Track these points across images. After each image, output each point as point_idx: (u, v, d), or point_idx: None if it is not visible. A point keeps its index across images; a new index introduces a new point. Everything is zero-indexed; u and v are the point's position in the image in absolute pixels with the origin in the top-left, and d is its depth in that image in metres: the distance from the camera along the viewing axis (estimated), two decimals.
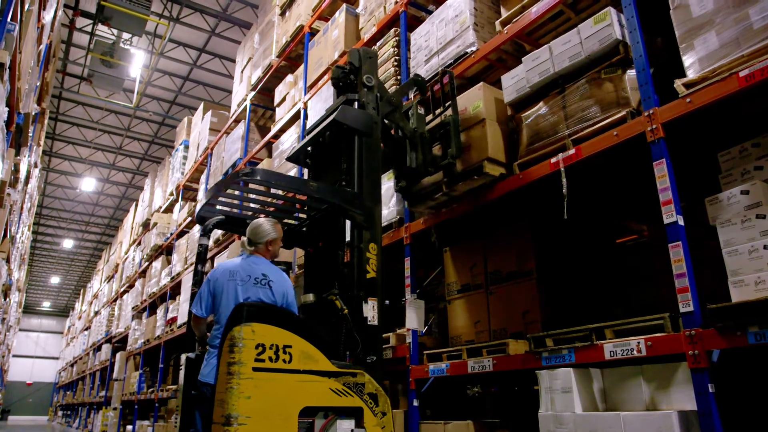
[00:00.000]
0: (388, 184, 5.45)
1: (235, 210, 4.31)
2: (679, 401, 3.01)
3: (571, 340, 3.46)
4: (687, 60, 3.12)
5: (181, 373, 3.62)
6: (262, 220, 3.66)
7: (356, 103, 3.97)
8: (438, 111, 4.46)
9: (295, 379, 2.87)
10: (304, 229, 4.17)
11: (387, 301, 8.10)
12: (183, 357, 3.66)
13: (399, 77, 5.66)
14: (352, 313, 3.34)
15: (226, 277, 3.43)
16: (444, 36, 5.06)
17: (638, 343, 3.04)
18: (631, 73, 3.47)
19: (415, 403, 4.60)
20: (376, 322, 3.42)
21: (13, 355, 35.42)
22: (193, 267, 11.33)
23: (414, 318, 4.69)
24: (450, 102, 4.33)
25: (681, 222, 3.01)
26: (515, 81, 4.25)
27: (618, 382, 3.34)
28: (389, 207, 5.36)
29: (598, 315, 3.73)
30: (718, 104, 2.97)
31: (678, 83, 3.11)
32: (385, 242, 5.35)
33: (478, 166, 4.17)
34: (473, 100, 4.40)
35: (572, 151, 3.63)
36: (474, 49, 4.73)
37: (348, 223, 3.71)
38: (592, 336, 3.32)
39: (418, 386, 4.64)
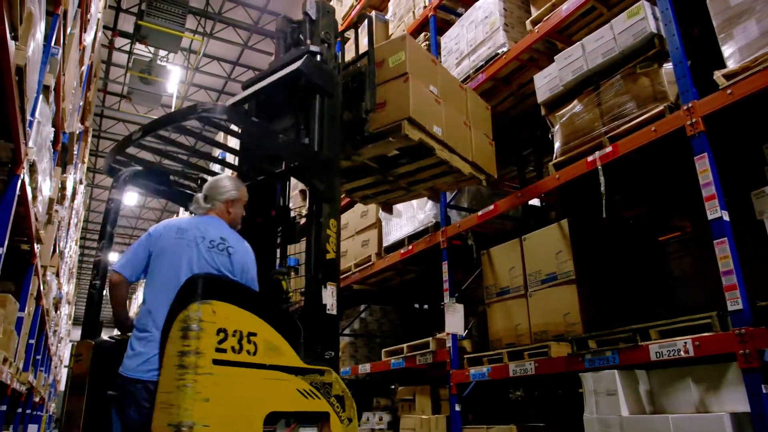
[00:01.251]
0: None
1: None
2: (730, 403, 2.92)
3: (614, 341, 3.39)
4: (726, 50, 3.03)
5: (86, 364, 2.61)
6: (224, 176, 2.96)
7: (318, 56, 3.30)
8: (350, 60, 3.82)
9: (260, 375, 2.25)
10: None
11: (426, 306, 8.10)
12: (79, 343, 2.79)
13: None
14: (308, 298, 2.78)
15: (172, 234, 2.62)
16: (474, 38, 5.04)
17: (685, 343, 2.95)
18: (668, 66, 3.39)
19: (457, 407, 4.57)
20: (335, 311, 2.84)
21: (65, 366, 36.56)
22: None
23: (453, 322, 4.67)
24: (366, 51, 3.71)
25: (726, 217, 2.92)
26: (548, 80, 4.20)
27: (665, 384, 3.26)
28: (425, 211, 5.36)
29: (641, 315, 3.65)
30: (761, 95, 2.87)
31: (717, 74, 3.03)
32: (421, 247, 5.35)
33: (396, 125, 3.38)
34: (394, 52, 3.67)
35: (609, 149, 3.57)
36: (505, 49, 4.70)
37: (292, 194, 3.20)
38: (637, 337, 3.24)
39: (460, 391, 4.62)
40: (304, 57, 3.20)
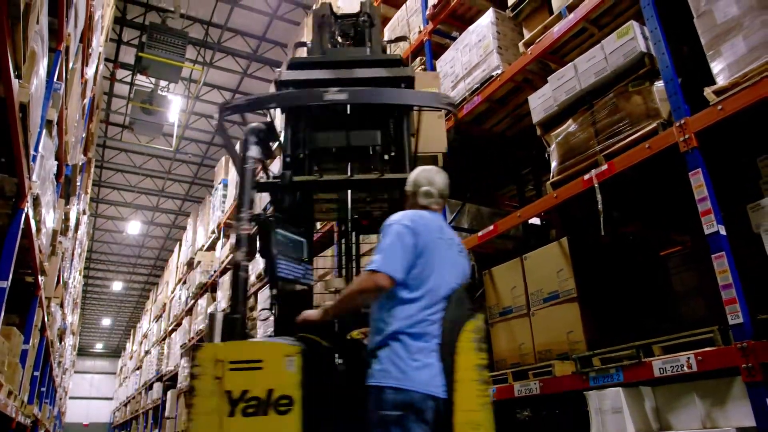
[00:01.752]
0: None
1: None
2: (736, 417, 2.90)
3: (618, 358, 3.39)
4: (715, 67, 3.09)
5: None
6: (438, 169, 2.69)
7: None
8: None
9: None
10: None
11: None
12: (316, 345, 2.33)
13: None
14: None
15: (434, 232, 2.37)
16: (469, 61, 5.12)
17: (688, 358, 2.95)
18: (659, 84, 3.45)
19: None
20: None
21: (70, 397, 36.33)
22: None
23: None
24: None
25: (723, 231, 2.94)
26: (542, 101, 4.26)
27: (671, 400, 3.25)
28: None
29: (645, 331, 3.65)
30: (752, 109, 2.91)
31: (708, 91, 3.07)
32: None
33: (432, 156, 3.83)
34: (429, 85, 4.12)
35: (605, 167, 3.60)
36: (499, 71, 4.77)
37: None
38: (640, 353, 3.24)
39: None
40: (408, 78, 3.26)
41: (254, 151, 2.97)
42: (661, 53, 3.37)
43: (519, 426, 5.36)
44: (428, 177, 2.59)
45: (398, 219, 2.36)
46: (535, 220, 5.97)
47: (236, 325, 2.24)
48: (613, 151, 3.62)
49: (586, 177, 3.71)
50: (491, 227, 4.66)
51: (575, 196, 3.84)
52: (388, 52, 4.05)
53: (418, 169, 2.67)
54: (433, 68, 5.75)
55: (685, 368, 2.96)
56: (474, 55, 5.06)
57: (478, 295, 2.87)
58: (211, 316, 2.34)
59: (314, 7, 3.51)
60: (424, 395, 2.06)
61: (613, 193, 3.75)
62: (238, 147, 2.95)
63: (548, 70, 4.65)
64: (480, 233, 4.77)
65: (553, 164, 4.12)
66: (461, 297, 2.25)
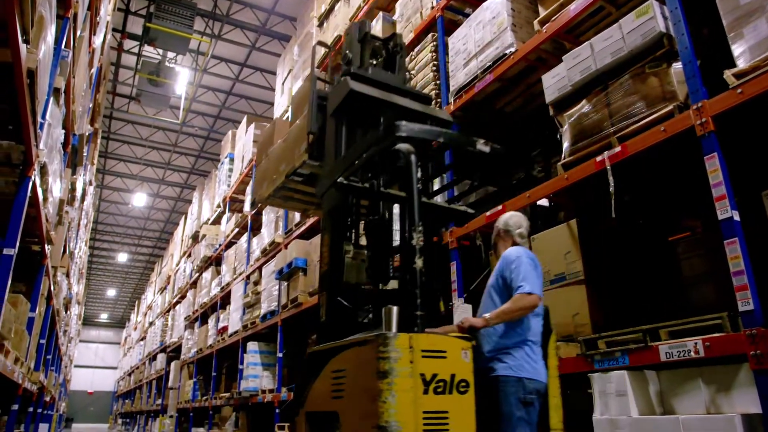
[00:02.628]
0: None
1: None
2: (742, 404, 2.90)
3: (624, 342, 3.38)
4: (736, 49, 3.02)
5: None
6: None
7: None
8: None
9: None
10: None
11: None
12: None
13: (438, 82, 5.66)
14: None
15: (539, 264, 3.15)
16: (482, 38, 5.03)
17: (695, 344, 2.94)
18: (677, 66, 3.38)
19: None
20: None
21: (75, 366, 36.86)
22: (241, 276, 11.57)
23: None
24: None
25: (737, 217, 2.90)
26: (556, 80, 4.19)
27: (676, 385, 3.24)
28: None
29: (651, 316, 3.63)
30: None
31: (728, 74, 3.01)
32: None
33: None
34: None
35: (618, 149, 3.55)
36: (513, 50, 4.69)
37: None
38: (647, 338, 3.23)
39: None
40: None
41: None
42: (680, 34, 3.30)
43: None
44: (519, 222, 3.39)
45: (522, 253, 3.12)
46: (543, 202, 5.92)
47: (416, 322, 2.61)
48: (627, 133, 3.56)
49: (599, 159, 3.66)
50: (500, 207, 4.62)
51: (587, 178, 3.80)
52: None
53: (509, 214, 3.51)
54: (445, 45, 5.67)
55: (692, 354, 2.94)
56: (487, 33, 4.97)
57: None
58: (388, 309, 2.69)
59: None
60: (545, 383, 3.00)
61: (625, 175, 3.71)
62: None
63: (563, 49, 4.56)
64: (488, 213, 4.73)
65: (565, 145, 4.07)
66: (547, 313, 3.12)
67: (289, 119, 7.80)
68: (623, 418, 3.21)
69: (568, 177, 3.93)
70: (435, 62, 5.74)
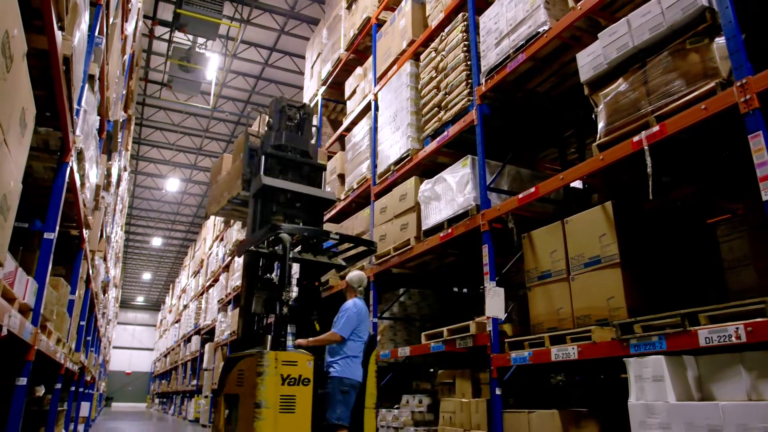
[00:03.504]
0: (463, 171, 5.39)
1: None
2: None
3: (661, 326, 3.31)
4: None
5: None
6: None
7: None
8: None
9: None
10: None
11: (465, 290, 8.06)
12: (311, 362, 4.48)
13: (469, 62, 5.58)
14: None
15: (363, 311, 4.90)
16: (514, 17, 4.93)
17: (737, 328, 2.86)
18: (720, 41, 3.25)
19: (498, 391, 4.55)
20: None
21: (113, 347, 37.96)
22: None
23: (494, 306, 4.63)
24: None
25: None
26: (591, 58, 4.09)
27: (715, 371, 3.16)
28: (464, 194, 5.30)
29: (689, 300, 3.55)
30: None
31: None
32: (460, 230, 5.32)
33: None
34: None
35: (656, 128, 3.45)
36: (546, 28, 4.58)
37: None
38: (685, 322, 3.15)
39: (500, 374, 4.59)
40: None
41: None
42: (724, 7, 3.16)
43: (553, 390, 5.35)
44: (360, 280, 5.07)
45: (351, 305, 4.85)
46: (576, 185, 5.82)
47: (281, 342, 4.51)
48: (665, 112, 3.45)
49: (636, 139, 3.56)
50: (532, 189, 4.55)
51: (623, 158, 3.70)
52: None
53: (354, 273, 5.13)
54: (476, 25, 5.57)
55: (734, 339, 2.87)
56: (520, 11, 4.87)
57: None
58: (266, 338, 4.63)
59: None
60: (359, 381, 4.66)
61: (663, 156, 3.61)
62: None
63: (598, 27, 4.43)
64: (520, 195, 4.67)
65: (600, 125, 3.97)
66: (372, 340, 4.89)
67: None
68: (660, 404, 3.15)
69: (603, 158, 3.84)
70: (466, 42, 5.65)
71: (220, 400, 4.76)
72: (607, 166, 3.84)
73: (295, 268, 6.28)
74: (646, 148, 3.48)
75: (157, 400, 35.01)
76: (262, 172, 5.46)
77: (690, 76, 3.38)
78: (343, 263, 5.61)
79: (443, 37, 6.07)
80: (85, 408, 11.31)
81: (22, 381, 3.43)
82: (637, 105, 3.68)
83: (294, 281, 5.68)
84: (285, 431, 4.10)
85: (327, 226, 8.60)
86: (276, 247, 4.94)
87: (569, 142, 6.51)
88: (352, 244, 5.49)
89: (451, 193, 5.50)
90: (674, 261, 4.11)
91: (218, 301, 16.59)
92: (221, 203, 6.43)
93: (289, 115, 5.98)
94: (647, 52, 3.68)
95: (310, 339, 4.78)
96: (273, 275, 5.35)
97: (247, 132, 5.94)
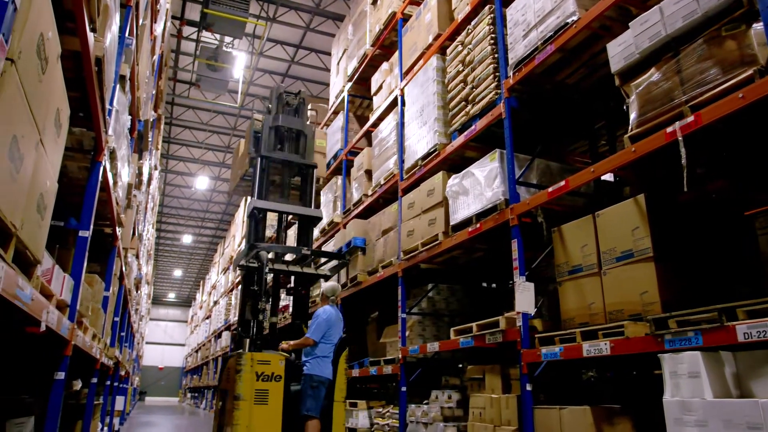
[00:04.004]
0: (491, 165, 5.34)
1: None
2: None
3: (697, 321, 3.23)
4: None
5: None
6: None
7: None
8: None
9: None
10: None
11: (493, 285, 8.01)
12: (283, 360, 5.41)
13: (496, 55, 5.52)
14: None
15: (334, 317, 5.62)
16: (542, 8, 4.86)
17: None
18: (758, 26, 3.14)
19: (528, 387, 4.50)
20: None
21: (146, 342, 38.73)
22: None
23: (524, 301, 4.59)
24: None
25: None
26: (622, 48, 4.00)
27: (754, 367, 3.08)
28: (493, 188, 5.26)
29: (725, 294, 3.46)
30: None
31: None
32: (489, 225, 5.28)
33: None
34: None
35: (690, 119, 3.36)
36: (575, 18, 4.50)
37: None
38: (722, 317, 3.07)
39: (531, 370, 4.55)
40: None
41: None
42: None
43: (584, 386, 5.28)
44: (333, 290, 5.87)
45: (322, 312, 5.58)
46: (607, 178, 5.72)
47: (257, 345, 5.69)
48: (700, 101, 3.36)
49: (669, 130, 3.48)
50: (562, 183, 4.49)
51: (656, 150, 3.62)
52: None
53: (328, 284, 5.98)
54: (503, 17, 5.50)
55: None
56: (548, 1, 4.79)
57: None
58: (244, 341, 5.64)
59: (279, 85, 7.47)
60: (329, 378, 5.35)
61: (697, 147, 3.52)
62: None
63: (629, 15, 4.34)
64: (550, 189, 4.60)
65: (632, 116, 3.88)
66: (343, 342, 5.54)
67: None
68: (696, 401, 3.08)
69: (635, 150, 3.76)
70: (493, 35, 5.59)
71: (218, 394, 5.59)
72: (640, 158, 3.76)
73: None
74: (680, 138, 3.40)
75: (189, 395, 35.64)
76: (263, 150, 6.81)
77: (726, 64, 3.28)
78: (329, 273, 6.67)
79: (470, 30, 6.01)
80: (119, 402, 11.57)
81: (60, 375, 3.52)
82: (670, 95, 3.59)
83: (283, 291, 7.02)
84: (259, 420, 4.94)
85: (354, 223, 8.64)
86: (257, 263, 5.89)
87: (600, 135, 6.40)
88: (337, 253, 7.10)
89: (479, 187, 5.46)
90: (710, 254, 4.01)
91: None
92: (236, 181, 7.97)
93: (288, 101, 7.30)
94: (681, 40, 3.58)
95: (291, 343, 5.57)
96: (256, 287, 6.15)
97: (252, 118, 7.41)
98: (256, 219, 6.64)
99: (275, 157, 6.80)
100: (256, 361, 5.08)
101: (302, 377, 5.33)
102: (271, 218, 10.27)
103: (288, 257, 7.15)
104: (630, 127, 3.88)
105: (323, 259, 7.24)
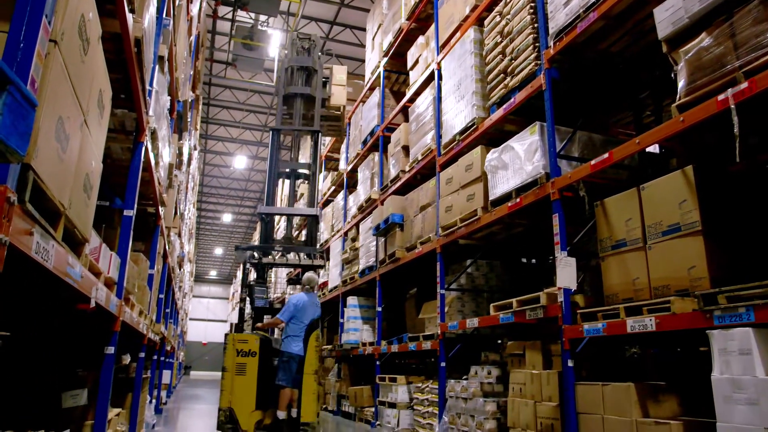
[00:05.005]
0: (531, 138, 5.23)
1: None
2: None
3: (749, 297, 3.12)
4: None
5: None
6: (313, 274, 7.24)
7: None
8: None
9: None
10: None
11: (533, 260, 7.91)
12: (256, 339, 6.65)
13: (536, 25, 5.36)
14: None
15: (307, 301, 6.71)
16: None
17: None
18: None
19: (570, 363, 4.45)
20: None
21: (190, 319, 39.87)
22: (339, 233, 11.89)
23: (566, 276, 4.51)
24: None
25: None
26: (670, 13, 3.82)
27: None
28: (533, 162, 5.15)
29: None
30: None
31: None
32: (529, 199, 5.19)
33: None
34: None
35: (744, 85, 3.20)
36: None
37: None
38: None
39: (572, 346, 4.49)
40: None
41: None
42: None
43: (627, 363, 5.20)
44: (310, 280, 6.99)
45: (294, 298, 6.74)
46: (652, 149, 5.54)
47: (240, 327, 7.54)
48: (755, 66, 3.19)
49: (721, 97, 3.33)
50: (606, 155, 4.36)
51: (706, 119, 3.47)
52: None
53: (307, 273, 7.12)
54: None
55: None
56: None
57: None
58: (232, 324, 7.52)
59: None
60: (300, 354, 6.42)
61: (751, 115, 3.35)
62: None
63: None
64: (593, 162, 4.48)
65: (680, 84, 3.72)
66: (314, 324, 6.56)
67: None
68: (747, 378, 2.99)
69: (684, 119, 3.61)
70: (532, 4, 5.42)
71: (224, 370, 6.66)
72: (688, 128, 3.61)
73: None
74: (732, 107, 3.24)
75: None
76: (282, 84, 8.78)
77: None
78: (323, 263, 7.80)
79: (508, 0, 5.85)
80: (166, 376, 11.96)
81: (110, 350, 3.65)
82: (722, 61, 3.43)
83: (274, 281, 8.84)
84: (239, 387, 6.34)
85: (391, 199, 8.62)
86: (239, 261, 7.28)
87: (645, 105, 6.19)
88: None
89: (519, 161, 5.36)
90: (761, 228, 3.85)
91: (287, 275, 17.01)
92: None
93: (301, 44, 9.09)
94: (734, 2, 3.40)
95: (264, 322, 7.05)
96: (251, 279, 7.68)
97: (278, 62, 9.06)
98: (264, 219, 8.14)
99: (273, 213, 8.28)
100: (237, 340, 6.48)
101: (279, 352, 6.51)
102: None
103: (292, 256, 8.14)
104: (678, 96, 3.72)
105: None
